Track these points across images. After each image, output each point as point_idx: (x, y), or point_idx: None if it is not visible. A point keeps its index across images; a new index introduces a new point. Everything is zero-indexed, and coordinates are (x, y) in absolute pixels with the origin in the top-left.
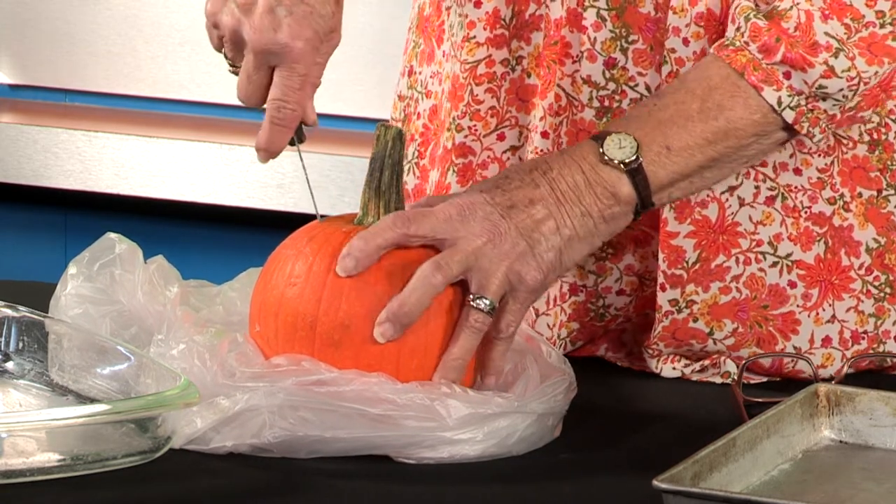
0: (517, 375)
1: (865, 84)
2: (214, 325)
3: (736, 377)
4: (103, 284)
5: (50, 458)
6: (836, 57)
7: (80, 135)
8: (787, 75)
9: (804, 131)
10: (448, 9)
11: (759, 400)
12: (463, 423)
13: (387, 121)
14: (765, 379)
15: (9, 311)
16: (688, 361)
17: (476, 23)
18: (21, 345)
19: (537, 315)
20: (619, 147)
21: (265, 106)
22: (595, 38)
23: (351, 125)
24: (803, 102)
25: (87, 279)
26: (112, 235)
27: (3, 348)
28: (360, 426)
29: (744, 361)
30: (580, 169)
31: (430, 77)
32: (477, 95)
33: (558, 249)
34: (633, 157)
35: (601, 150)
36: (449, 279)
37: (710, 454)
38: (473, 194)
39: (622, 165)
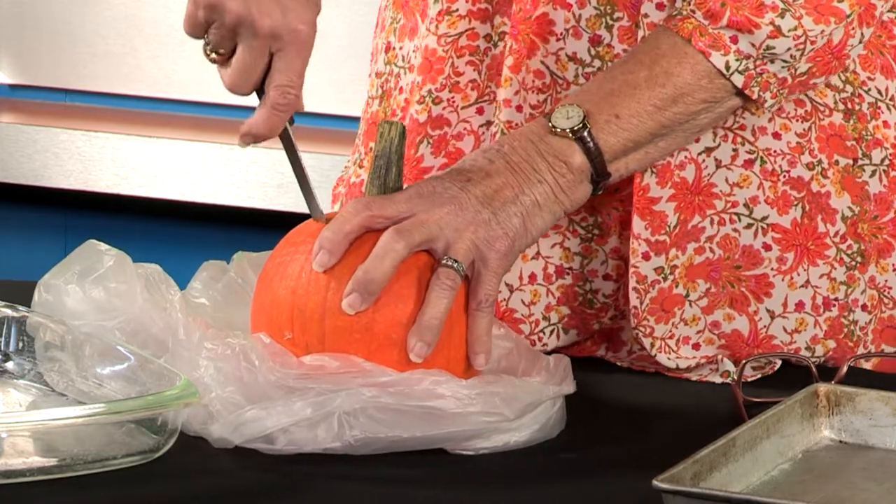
0: (513, 361)
1: (812, 44)
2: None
3: (735, 376)
4: (99, 297)
5: (50, 458)
6: (781, 17)
7: (80, 135)
8: (734, 39)
9: (755, 96)
10: None
11: (759, 400)
12: (520, 412)
13: (387, 119)
14: (759, 375)
15: (9, 311)
16: (677, 354)
17: None
18: (21, 345)
19: (511, 291)
20: (566, 117)
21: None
22: (580, 16)
23: (351, 125)
24: (752, 66)
25: (84, 294)
26: (97, 244)
27: (3, 348)
28: (429, 424)
29: (743, 361)
30: (530, 141)
31: (413, 51)
32: (458, 68)
33: (522, 216)
34: (581, 125)
35: (549, 123)
36: (411, 246)
37: (710, 454)
38: (430, 178)
39: (570, 134)
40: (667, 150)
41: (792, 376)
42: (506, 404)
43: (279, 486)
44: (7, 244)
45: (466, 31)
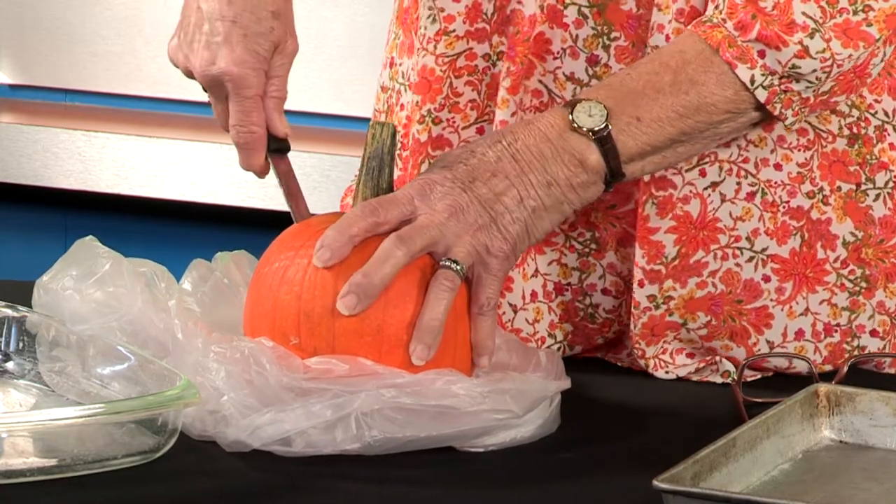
0: (503, 357)
1: (839, 67)
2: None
3: (736, 377)
4: (99, 300)
5: (50, 458)
6: (811, 37)
7: (80, 135)
8: (762, 54)
9: (776, 112)
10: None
11: (759, 400)
12: (527, 409)
13: (377, 120)
14: (759, 375)
15: (9, 311)
16: (673, 364)
17: (455, 17)
18: (21, 345)
19: (515, 311)
20: (588, 115)
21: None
22: (577, 35)
23: (351, 125)
24: (776, 82)
25: (84, 296)
26: (92, 244)
27: (3, 348)
28: (443, 423)
29: (743, 361)
30: (546, 137)
31: (411, 69)
32: (456, 88)
33: (524, 221)
34: (603, 125)
35: (570, 118)
36: (413, 252)
37: (710, 454)
38: (434, 172)
39: (591, 133)
40: (685, 155)
41: (792, 376)
42: (514, 401)
43: (280, 486)
44: (7, 244)
45: (464, 51)
